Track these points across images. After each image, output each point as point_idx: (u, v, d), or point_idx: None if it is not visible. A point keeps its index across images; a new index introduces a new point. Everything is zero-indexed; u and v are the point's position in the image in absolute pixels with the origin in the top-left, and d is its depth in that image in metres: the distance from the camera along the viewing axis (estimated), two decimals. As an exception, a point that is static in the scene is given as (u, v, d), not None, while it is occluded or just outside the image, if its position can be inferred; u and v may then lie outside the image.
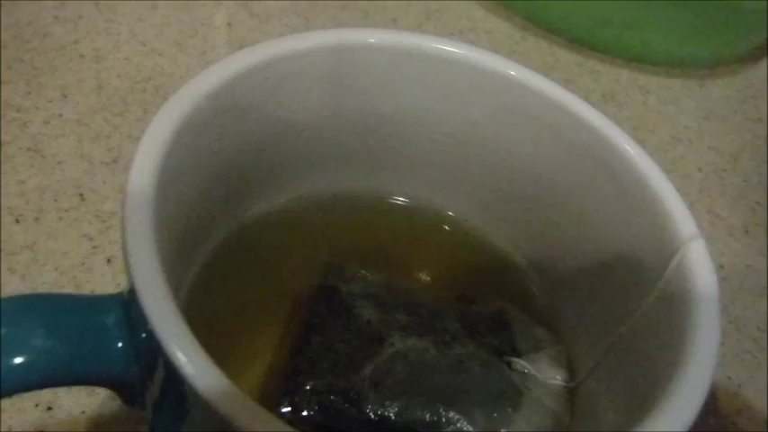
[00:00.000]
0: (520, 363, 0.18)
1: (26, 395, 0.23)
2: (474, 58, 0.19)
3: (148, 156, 0.14)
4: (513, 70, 0.19)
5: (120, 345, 0.13)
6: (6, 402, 0.22)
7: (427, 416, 0.16)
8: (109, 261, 0.27)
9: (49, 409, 0.23)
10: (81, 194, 0.28)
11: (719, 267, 0.33)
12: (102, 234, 0.27)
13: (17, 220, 0.27)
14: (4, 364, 0.12)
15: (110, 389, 0.14)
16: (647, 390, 0.14)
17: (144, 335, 0.13)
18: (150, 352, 0.13)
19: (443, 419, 0.16)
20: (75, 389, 0.23)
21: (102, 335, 0.13)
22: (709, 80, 0.43)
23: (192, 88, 0.16)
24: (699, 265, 0.15)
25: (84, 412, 0.23)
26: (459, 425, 0.16)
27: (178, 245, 0.16)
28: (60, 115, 0.31)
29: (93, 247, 0.27)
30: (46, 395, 0.23)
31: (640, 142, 0.38)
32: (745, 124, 0.41)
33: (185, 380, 0.12)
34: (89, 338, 0.13)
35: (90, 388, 0.23)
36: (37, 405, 0.22)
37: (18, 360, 0.12)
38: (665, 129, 0.40)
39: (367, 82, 0.19)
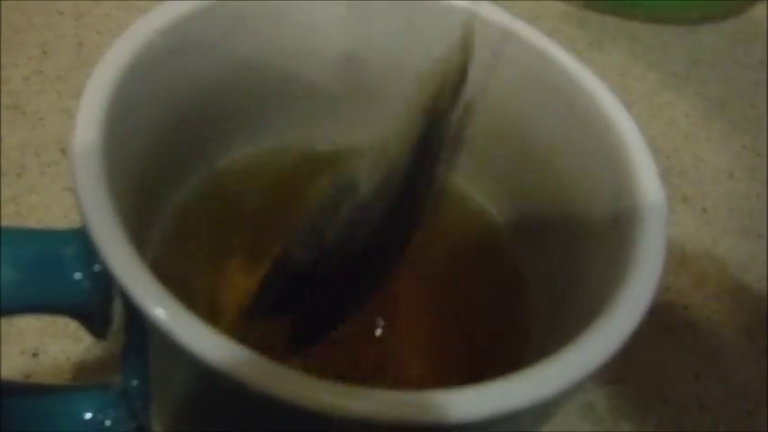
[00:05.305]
0: None
1: (11, 342, 0.23)
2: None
3: (98, 88, 0.14)
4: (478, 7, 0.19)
5: (77, 276, 0.14)
6: (-9, 349, 0.23)
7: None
8: (91, 214, 0.27)
9: (35, 355, 0.23)
10: (62, 149, 0.29)
11: (703, 211, 0.33)
12: (84, 187, 0.28)
13: None
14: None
15: (71, 317, 0.15)
16: (593, 307, 0.14)
17: (97, 267, 0.13)
18: (106, 283, 0.13)
19: None
20: (60, 336, 0.24)
21: (60, 266, 0.14)
22: (698, 26, 0.43)
23: (145, 22, 0.16)
24: (649, 186, 0.16)
25: (68, 358, 0.23)
26: None
27: (139, 189, 0.16)
28: (40, 72, 0.31)
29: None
30: (31, 342, 0.23)
31: (627, 89, 0.38)
32: (734, 70, 0.41)
33: (138, 309, 0.12)
34: (47, 269, 0.13)
35: (75, 335, 0.24)
36: (22, 352, 0.23)
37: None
38: (653, 75, 0.39)
39: (327, 21, 0.19)
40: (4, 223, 0.26)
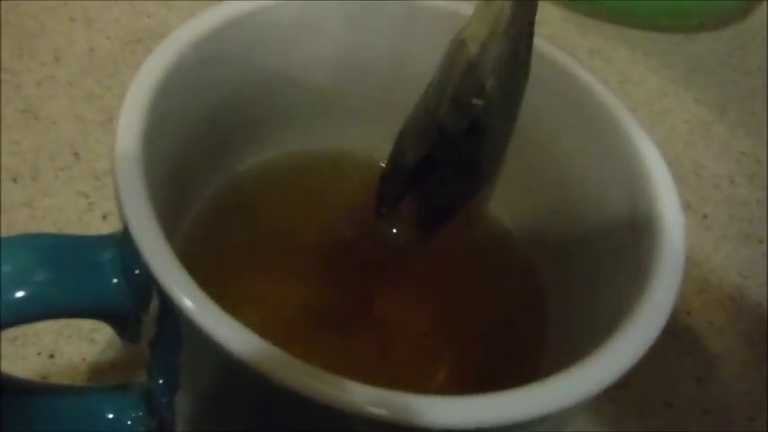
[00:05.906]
0: None
1: (28, 343, 0.23)
2: (451, 6, 0.20)
3: (136, 100, 0.15)
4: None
5: (114, 280, 0.14)
6: (9, 350, 0.23)
7: None
8: (104, 217, 0.27)
9: (51, 356, 0.23)
10: (76, 153, 0.29)
11: (703, 217, 0.34)
12: (98, 191, 0.28)
13: (14, 179, 0.28)
14: (6, 298, 0.13)
15: (104, 321, 0.15)
16: (612, 318, 0.15)
17: (137, 271, 0.13)
18: (144, 287, 0.13)
19: None
20: (75, 338, 0.24)
21: (98, 271, 0.14)
22: (696, 33, 0.44)
23: (178, 38, 0.16)
24: (666, 196, 0.16)
25: (84, 359, 0.24)
26: None
27: (169, 192, 0.16)
28: (53, 77, 0.32)
29: (89, 203, 0.28)
30: (47, 343, 0.24)
31: (627, 95, 0.39)
32: (732, 76, 0.42)
33: (178, 310, 0.13)
34: (85, 274, 0.14)
35: (90, 336, 0.24)
36: (39, 353, 0.23)
37: (19, 294, 0.13)
38: (652, 82, 0.40)
39: (343, 30, 0.20)
40: (20, 227, 0.26)
